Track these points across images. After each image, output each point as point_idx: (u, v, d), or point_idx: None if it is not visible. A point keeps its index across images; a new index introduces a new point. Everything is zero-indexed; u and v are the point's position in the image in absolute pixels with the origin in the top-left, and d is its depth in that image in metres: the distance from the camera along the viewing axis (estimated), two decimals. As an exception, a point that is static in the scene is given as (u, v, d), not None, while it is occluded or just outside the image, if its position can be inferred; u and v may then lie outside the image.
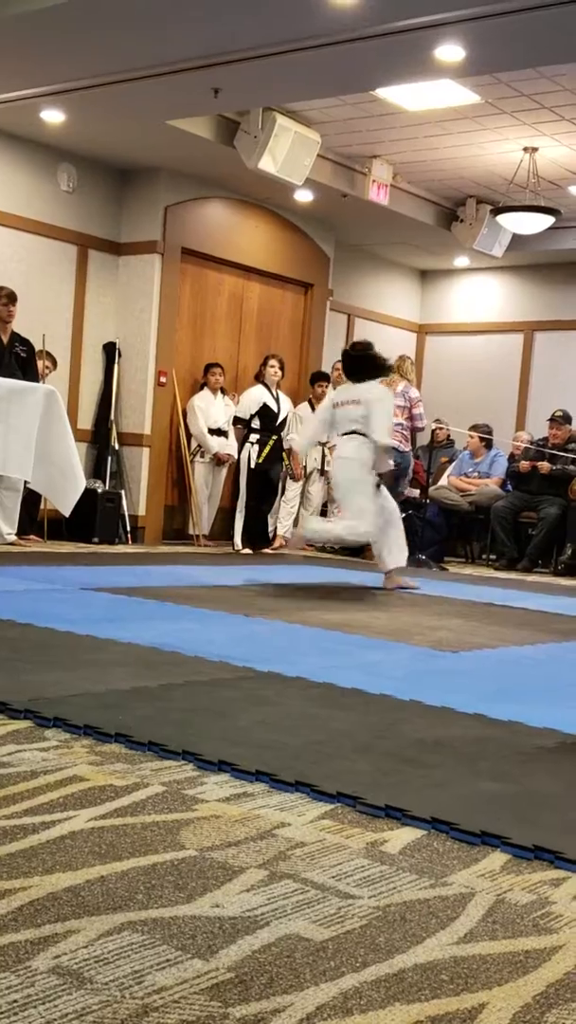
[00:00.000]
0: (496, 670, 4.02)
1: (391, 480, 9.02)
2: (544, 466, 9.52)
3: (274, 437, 9.04)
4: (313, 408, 9.45)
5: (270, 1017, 1.34)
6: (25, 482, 6.62)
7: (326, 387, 9.64)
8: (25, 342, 7.74)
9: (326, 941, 1.58)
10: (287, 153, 8.27)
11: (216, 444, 9.23)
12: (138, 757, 2.46)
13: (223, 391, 9.38)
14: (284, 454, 9.16)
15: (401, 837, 2.06)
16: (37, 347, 7.96)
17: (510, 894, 1.81)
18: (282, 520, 9.51)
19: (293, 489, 9.51)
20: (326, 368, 10.24)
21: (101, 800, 2.14)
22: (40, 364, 8.00)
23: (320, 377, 9.70)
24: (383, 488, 6.62)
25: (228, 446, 9.28)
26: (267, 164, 8.24)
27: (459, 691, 3.48)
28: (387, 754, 2.60)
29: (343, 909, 1.70)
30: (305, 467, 9.51)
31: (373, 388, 6.58)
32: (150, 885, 1.73)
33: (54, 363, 8.44)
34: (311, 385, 9.62)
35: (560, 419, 9.72)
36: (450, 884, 1.83)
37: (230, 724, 2.79)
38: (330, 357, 10.69)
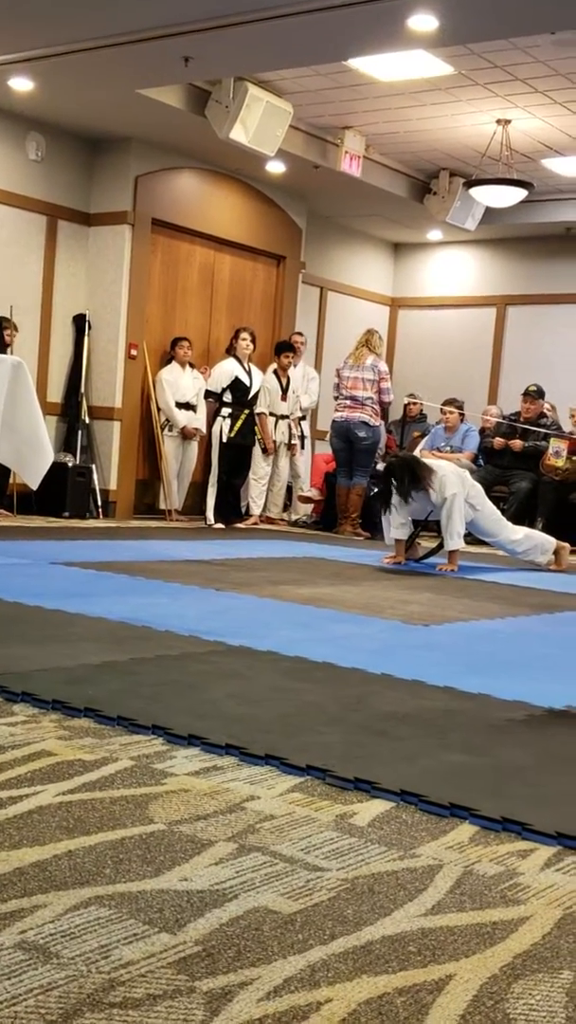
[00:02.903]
0: (467, 643, 4.04)
1: (365, 456, 9.05)
2: (517, 444, 9.55)
3: (246, 411, 9.01)
4: (279, 379, 9.42)
5: (237, 990, 1.34)
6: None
7: (291, 357, 9.60)
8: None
9: (294, 914, 1.57)
10: (259, 123, 8.20)
11: (184, 418, 9.18)
12: (107, 731, 2.45)
13: (192, 364, 9.33)
14: (256, 427, 9.14)
15: (370, 809, 2.06)
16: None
17: (478, 866, 1.81)
18: (255, 499, 9.49)
19: (263, 466, 9.49)
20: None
21: (69, 775, 2.13)
22: (5, 334, 7.92)
23: (284, 347, 9.62)
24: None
25: (196, 420, 9.24)
26: (238, 134, 8.17)
27: (430, 664, 3.49)
28: (357, 727, 2.61)
29: (311, 882, 1.70)
30: (275, 441, 9.47)
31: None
32: (118, 859, 1.72)
33: (15, 328, 8.31)
34: (276, 355, 9.51)
35: (534, 394, 9.73)
36: (418, 856, 1.84)
37: (200, 698, 2.78)
38: (302, 329, 10.66)
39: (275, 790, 2.13)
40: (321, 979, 1.38)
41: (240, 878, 1.69)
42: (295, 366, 9.94)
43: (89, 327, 9.18)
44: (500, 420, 9.95)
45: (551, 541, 7.19)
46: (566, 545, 7.29)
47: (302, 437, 10.05)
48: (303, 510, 10.06)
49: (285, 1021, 1.27)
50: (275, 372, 9.51)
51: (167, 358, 9.38)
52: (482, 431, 10.01)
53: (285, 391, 9.43)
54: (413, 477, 6.46)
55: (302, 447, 10.07)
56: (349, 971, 1.41)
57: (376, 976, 1.40)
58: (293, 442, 9.64)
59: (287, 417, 9.51)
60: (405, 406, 11.10)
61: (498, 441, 9.60)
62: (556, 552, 7.15)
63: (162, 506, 9.32)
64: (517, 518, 8.80)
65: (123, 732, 2.45)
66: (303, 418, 10.09)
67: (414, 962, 1.45)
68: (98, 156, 9.21)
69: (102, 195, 9.19)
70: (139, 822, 1.90)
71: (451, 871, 1.78)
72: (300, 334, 10.22)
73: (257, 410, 9.21)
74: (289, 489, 10.15)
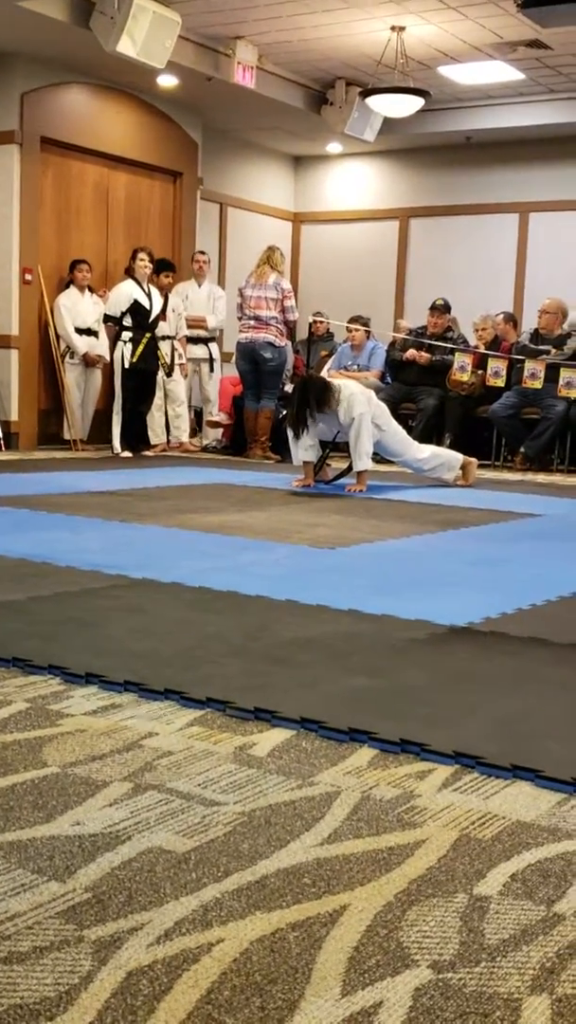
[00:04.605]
0: (373, 565, 4.04)
1: (272, 377, 8.95)
2: (423, 357, 9.53)
3: (148, 335, 8.83)
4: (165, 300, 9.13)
5: (127, 936, 1.31)
6: None
7: (172, 276, 9.39)
8: None
9: (189, 852, 1.55)
10: (146, 35, 7.92)
11: (85, 344, 8.97)
12: (1, 674, 2.39)
13: (91, 289, 9.09)
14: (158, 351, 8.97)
15: (270, 739, 2.04)
16: None
17: (376, 790, 1.81)
18: (180, 425, 9.36)
19: (179, 392, 9.34)
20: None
21: (-39, 721, 2.07)
22: None
23: (163, 266, 9.38)
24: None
25: (98, 346, 9.04)
26: (126, 47, 7.88)
27: (335, 588, 3.48)
28: (259, 656, 2.59)
29: (207, 817, 1.67)
30: (171, 363, 9.28)
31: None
32: (8, 807, 1.68)
33: None
34: (155, 275, 9.24)
35: (441, 308, 9.69)
36: (316, 784, 1.83)
37: (100, 635, 2.73)
38: (203, 247, 10.44)
39: (174, 725, 2.10)
40: (213, 919, 1.37)
41: (134, 819, 1.66)
42: (199, 285, 9.75)
43: (-19, 253, 8.86)
44: (406, 337, 9.91)
45: (458, 457, 7.22)
46: (473, 460, 7.33)
47: (211, 359, 9.90)
48: (212, 435, 9.96)
49: (175, 965, 1.25)
50: (164, 294, 9.27)
51: (65, 282, 9.13)
52: (391, 344, 9.97)
53: (163, 311, 9.19)
54: (317, 399, 6.41)
55: (211, 369, 9.93)
56: (242, 909, 1.39)
57: (270, 912, 1.39)
58: (181, 362, 9.46)
59: (171, 338, 9.31)
60: (311, 325, 11.00)
61: (410, 353, 9.56)
62: (463, 467, 7.20)
63: (67, 436, 9.15)
64: (425, 435, 8.84)
65: (18, 674, 2.40)
66: (213, 339, 9.93)
67: (308, 895, 1.44)
68: (-19, 72, 8.81)
69: (-13, 114, 8.82)
70: (32, 766, 1.85)
71: (349, 797, 1.77)
72: (203, 253, 10.00)
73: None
74: (198, 414, 10.03)
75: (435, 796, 1.80)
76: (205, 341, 9.82)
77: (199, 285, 9.77)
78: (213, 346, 9.93)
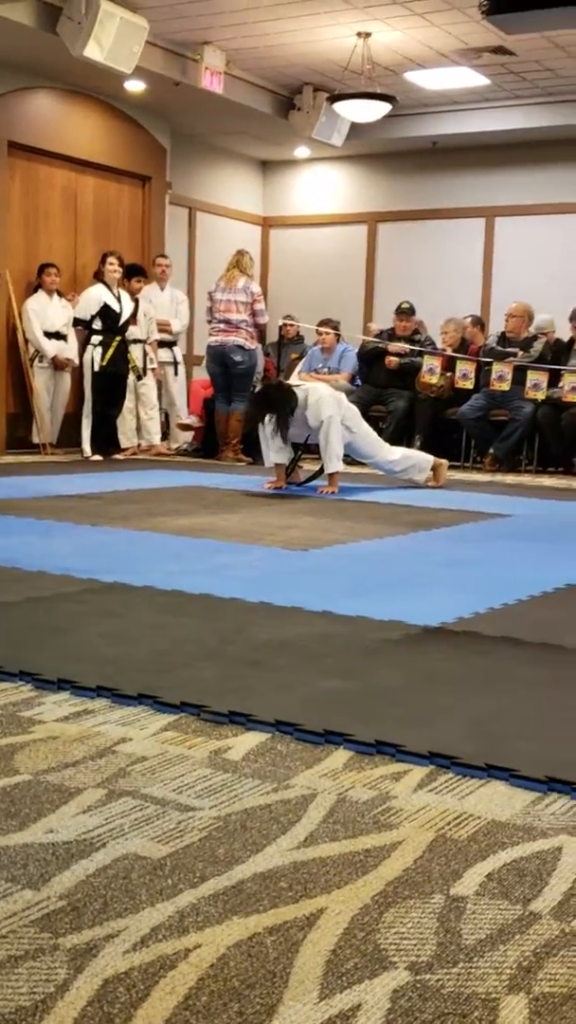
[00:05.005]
0: (345, 566, 4.04)
1: (243, 380, 8.95)
2: (392, 361, 9.56)
3: (118, 338, 8.79)
4: (136, 304, 9.12)
5: (103, 943, 1.30)
6: None
7: (143, 281, 9.38)
8: None
9: (164, 858, 1.54)
10: (114, 40, 7.89)
11: (53, 348, 8.92)
12: (-27, 681, 2.37)
13: (59, 292, 9.05)
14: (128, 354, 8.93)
15: (245, 743, 2.04)
16: None
17: (352, 792, 1.81)
18: (152, 428, 9.33)
19: (151, 396, 9.31)
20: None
21: None
22: None
23: (134, 271, 9.37)
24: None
25: (67, 350, 9.00)
26: (93, 52, 7.85)
27: (308, 590, 3.48)
28: (233, 659, 2.58)
29: (183, 823, 1.67)
30: (143, 367, 9.25)
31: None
32: (-19, 816, 1.66)
33: None
34: (126, 279, 9.23)
35: (407, 311, 9.73)
36: (292, 787, 1.82)
37: (72, 640, 2.71)
38: (173, 252, 10.43)
39: (148, 730, 2.09)
40: (190, 924, 1.36)
41: (108, 825, 1.65)
42: (162, 290, 9.72)
43: (-52, 258, 8.80)
44: (376, 340, 9.93)
45: (428, 459, 7.24)
46: (444, 461, 7.35)
47: (175, 363, 9.87)
48: (183, 438, 9.93)
49: (152, 972, 1.24)
50: (135, 299, 9.24)
51: (33, 287, 9.08)
52: (363, 347, 9.99)
53: (135, 315, 9.15)
54: (279, 407, 6.46)
55: (175, 373, 9.90)
56: (219, 914, 1.39)
57: (247, 917, 1.38)
58: (153, 366, 9.43)
59: (143, 341, 9.28)
60: (281, 328, 11.00)
61: (390, 360, 9.56)
62: (434, 469, 7.22)
63: (36, 440, 9.09)
64: (395, 437, 8.86)
65: (-10, 681, 2.38)
66: (175, 343, 9.91)
67: (285, 898, 1.43)
68: (-54, 77, 8.76)
69: (-47, 118, 8.76)
70: (3, 774, 1.84)
71: (325, 800, 1.77)
72: (164, 256, 9.97)
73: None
74: (167, 417, 10.00)
75: (411, 797, 1.79)
76: (169, 345, 9.79)
77: (161, 289, 9.73)
78: (177, 350, 9.90)
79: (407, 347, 9.53)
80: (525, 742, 2.03)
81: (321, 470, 6.82)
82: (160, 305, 9.61)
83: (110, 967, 1.25)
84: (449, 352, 9.48)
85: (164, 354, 9.72)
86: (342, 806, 1.75)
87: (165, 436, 9.90)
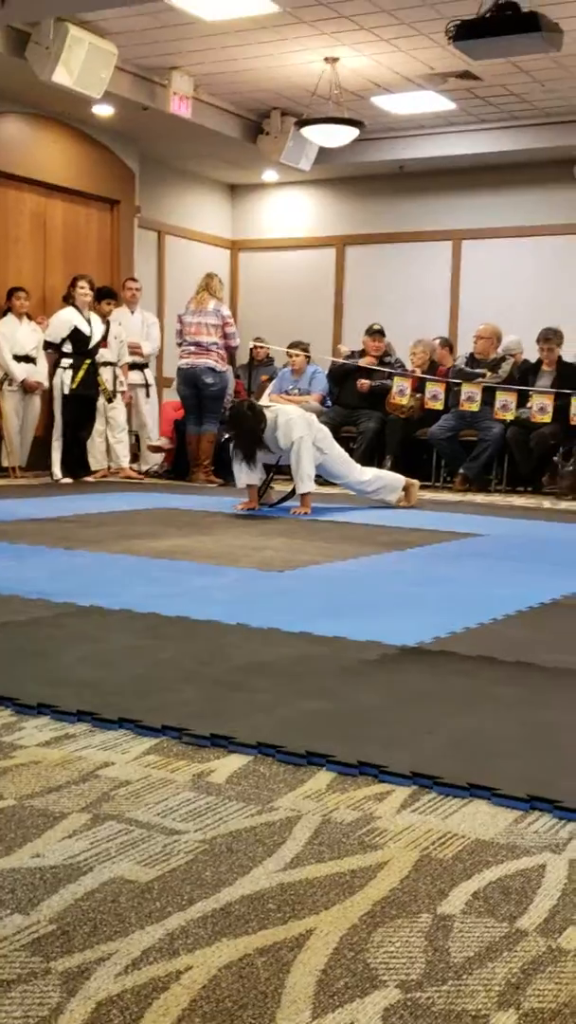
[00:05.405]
0: (321, 587, 4.06)
1: (214, 402, 8.98)
2: (364, 384, 9.63)
3: (88, 361, 8.80)
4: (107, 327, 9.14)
5: (94, 967, 1.31)
6: None
7: (113, 304, 9.40)
8: None
9: (151, 881, 1.55)
10: (82, 65, 7.94)
11: (23, 371, 8.91)
12: (-48, 706, 2.36)
13: (29, 316, 9.05)
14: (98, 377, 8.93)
15: (228, 765, 2.04)
16: None
17: (336, 813, 1.82)
18: (121, 451, 9.32)
19: (120, 419, 9.30)
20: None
21: None
22: None
23: (105, 294, 9.39)
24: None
25: (37, 373, 8.99)
26: (62, 77, 7.89)
27: (285, 611, 3.49)
28: (213, 681, 2.58)
29: (168, 846, 1.67)
30: (113, 390, 9.25)
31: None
32: (-34, 842, 1.66)
33: None
34: (97, 302, 9.26)
35: (378, 331, 9.81)
36: (276, 809, 1.83)
37: (49, 664, 2.71)
38: (142, 275, 10.46)
39: (130, 754, 2.09)
40: (180, 947, 1.36)
41: (95, 849, 1.65)
42: (132, 312, 9.75)
43: None
44: (346, 361, 10.00)
45: (400, 479, 7.29)
46: (415, 482, 7.40)
47: (147, 385, 9.89)
48: (153, 460, 9.94)
49: (144, 994, 1.25)
50: (106, 321, 9.26)
51: (2, 310, 9.07)
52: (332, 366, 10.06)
53: (105, 337, 9.16)
54: (248, 433, 6.49)
55: (147, 395, 9.91)
56: (208, 936, 1.39)
57: (236, 938, 1.39)
58: (123, 389, 9.44)
59: (114, 364, 9.29)
60: (251, 350, 11.05)
61: (362, 383, 9.63)
62: (406, 489, 7.26)
63: (4, 463, 9.07)
64: (366, 457, 8.91)
65: (-31, 706, 2.37)
66: (146, 365, 9.93)
67: (274, 920, 1.44)
68: None
69: None
70: (-12, 800, 1.83)
71: (309, 821, 1.78)
72: (134, 280, 10.00)
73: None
74: (138, 439, 10.00)
75: (395, 817, 1.81)
76: (140, 367, 9.81)
77: (132, 312, 9.77)
78: (148, 372, 9.93)
79: (377, 364, 9.59)
80: (506, 761, 2.05)
81: (293, 491, 6.85)
82: (131, 328, 9.63)
83: (103, 990, 1.25)
84: (418, 373, 9.55)
85: (136, 376, 9.74)
86: (327, 827, 1.76)
87: (135, 458, 9.90)
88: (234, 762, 2.06)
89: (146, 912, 1.45)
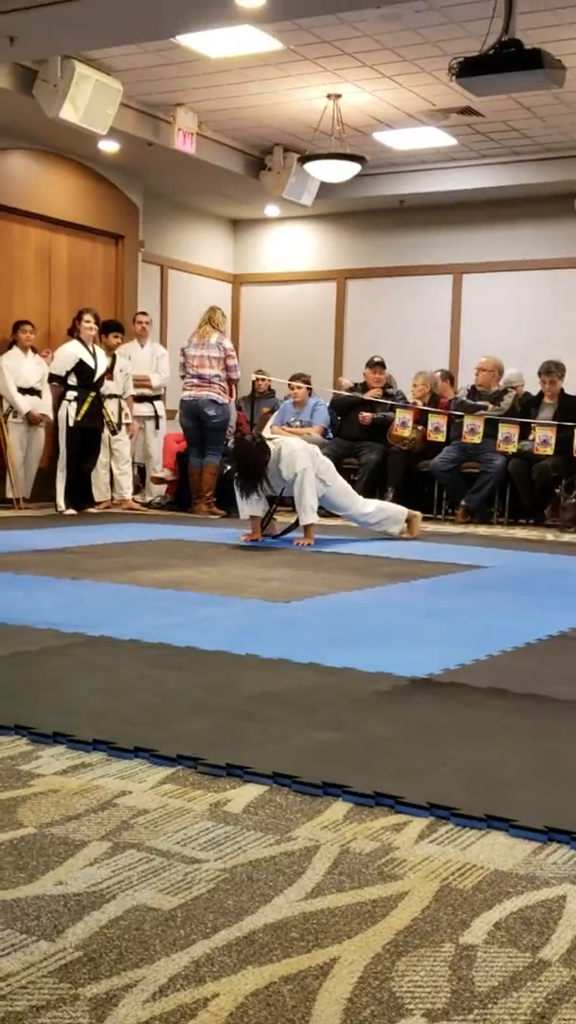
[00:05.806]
0: (328, 618, 4.07)
1: (216, 434, 9.02)
2: (366, 417, 9.68)
3: (92, 393, 8.85)
4: (113, 360, 9.21)
5: (122, 993, 1.31)
6: None
7: (120, 337, 9.48)
8: None
9: (175, 909, 1.56)
10: (88, 102, 8.03)
11: (27, 404, 8.96)
12: (-32, 736, 2.37)
13: (34, 349, 9.11)
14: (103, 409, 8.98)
15: (244, 795, 2.05)
16: None
17: (354, 843, 1.83)
18: (124, 483, 9.35)
19: (124, 451, 9.34)
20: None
21: None
22: None
23: (111, 327, 9.47)
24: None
25: (42, 405, 9.04)
26: (68, 114, 7.98)
27: (293, 641, 3.50)
28: (225, 711, 2.59)
29: (190, 875, 1.68)
30: (118, 422, 9.31)
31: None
32: (-11, 870, 1.67)
33: None
34: (103, 335, 9.34)
35: (379, 364, 9.88)
36: (295, 839, 1.84)
37: (63, 694, 2.72)
38: (145, 309, 10.52)
39: (146, 783, 2.10)
40: (206, 974, 1.37)
41: (117, 877, 1.66)
42: (142, 346, 9.83)
43: None
44: (348, 393, 10.05)
45: (402, 511, 7.31)
46: (417, 513, 7.43)
47: (156, 416, 9.96)
48: (156, 491, 9.97)
49: (173, 1021, 1.25)
50: (113, 356, 9.35)
51: (8, 343, 9.13)
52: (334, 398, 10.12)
53: (111, 370, 9.24)
54: (254, 467, 6.52)
55: (156, 427, 9.98)
56: (234, 964, 1.40)
57: (261, 966, 1.39)
58: (128, 421, 9.49)
59: (119, 396, 9.35)
60: (253, 382, 11.11)
61: (364, 416, 9.69)
62: (408, 520, 7.28)
63: (9, 495, 9.09)
64: (368, 489, 8.94)
65: (-15, 735, 2.38)
66: (158, 397, 9.99)
67: (298, 948, 1.45)
68: None
69: None
70: (8, 827, 1.84)
71: (328, 851, 1.79)
72: (144, 313, 10.09)
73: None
74: (142, 470, 10.04)
75: (413, 848, 1.82)
76: (150, 399, 9.87)
77: (141, 345, 9.85)
78: (159, 404, 9.99)
79: (370, 415, 9.65)
80: (521, 792, 2.06)
81: (296, 522, 6.87)
82: (140, 361, 9.71)
83: (131, 1016, 1.26)
84: (420, 405, 9.60)
85: (145, 408, 9.81)
86: (346, 857, 1.77)
87: (138, 490, 9.93)
88: (250, 792, 2.07)
89: (171, 940, 1.46)
